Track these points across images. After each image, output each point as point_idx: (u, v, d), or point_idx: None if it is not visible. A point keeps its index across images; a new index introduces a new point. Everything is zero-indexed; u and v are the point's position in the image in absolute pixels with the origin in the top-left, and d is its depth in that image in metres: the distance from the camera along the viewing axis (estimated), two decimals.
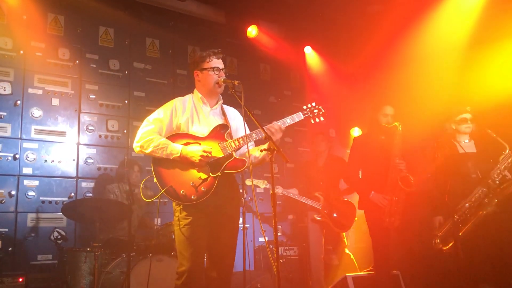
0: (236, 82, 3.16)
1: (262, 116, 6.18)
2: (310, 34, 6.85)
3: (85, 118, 5.19)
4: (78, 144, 5.10)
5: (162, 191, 3.11)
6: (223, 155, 3.24)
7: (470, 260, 4.14)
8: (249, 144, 3.24)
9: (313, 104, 3.42)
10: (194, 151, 3.14)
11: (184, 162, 3.16)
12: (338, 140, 7.15)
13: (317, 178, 5.56)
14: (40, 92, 4.97)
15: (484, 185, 4.21)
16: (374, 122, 4.65)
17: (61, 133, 5.04)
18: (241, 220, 5.80)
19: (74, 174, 5.02)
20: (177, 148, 3.16)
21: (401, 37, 5.96)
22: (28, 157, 4.77)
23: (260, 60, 6.68)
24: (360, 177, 4.78)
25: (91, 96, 5.25)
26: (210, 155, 3.16)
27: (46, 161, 4.87)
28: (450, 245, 4.19)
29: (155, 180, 3.14)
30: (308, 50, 6.95)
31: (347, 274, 4.58)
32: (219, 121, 3.39)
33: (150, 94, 5.65)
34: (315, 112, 3.41)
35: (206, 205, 3.15)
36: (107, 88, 5.38)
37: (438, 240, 4.27)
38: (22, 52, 4.92)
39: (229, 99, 5.71)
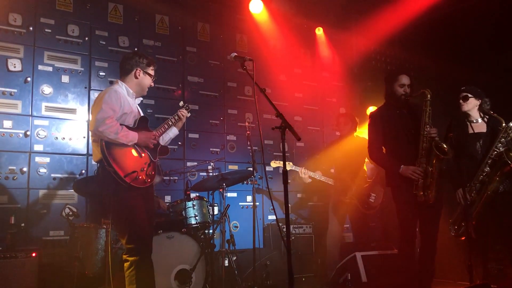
0: (248, 59, 3.18)
1: (272, 94, 6.13)
2: (321, 11, 6.74)
3: (95, 95, 5.16)
4: (88, 121, 5.11)
5: (129, 181, 3.32)
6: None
7: (480, 239, 4.13)
8: (167, 129, 3.80)
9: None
10: (147, 137, 3.52)
11: (133, 149, 3.44)
12: None
13: (342, 160, 5.49)
14: (50, 69, 4.96)
15: (485, 164, 4.15)
16: (390, 94, 4.16)
17: (72, 111, 5.04)
18: (250, 198, 5.91)
19: (84, 152, 5.04)
20: (134, 134, 3.43)
21: (413, 13, 5.84)
22: (39, 134, 4.79)
23: (270, 37, 6.58)
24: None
25: (100, 74, 5.23)
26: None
27: (57, 138, 4.89)
28: (461, 230, 4.15)
29: (110, 167, 3.29)
30: (319, 31, 6.85)
31: (356, 253, 4.61)
32: (140, 113, 3.76)
33: (159, 72, 5.55)
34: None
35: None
36: (116, 66, 5.23)
37: (456, 226, 4.22)
38: (31, 28, 4.89)
39: (240, 76, 5.70)
